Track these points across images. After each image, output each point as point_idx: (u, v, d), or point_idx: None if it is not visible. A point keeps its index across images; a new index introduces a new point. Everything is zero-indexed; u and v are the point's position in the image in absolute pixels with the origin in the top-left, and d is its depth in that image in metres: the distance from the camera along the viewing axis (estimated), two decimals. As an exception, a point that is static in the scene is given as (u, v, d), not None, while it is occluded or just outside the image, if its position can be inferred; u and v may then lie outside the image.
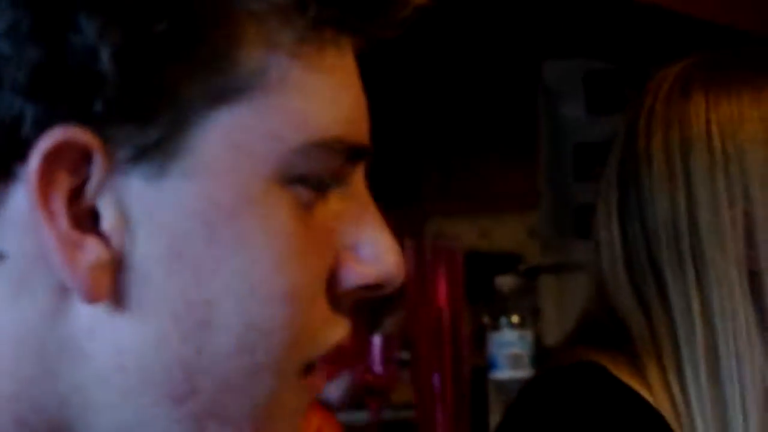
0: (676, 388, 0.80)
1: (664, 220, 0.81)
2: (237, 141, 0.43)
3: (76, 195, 0.42)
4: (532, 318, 2.32)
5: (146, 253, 0.43)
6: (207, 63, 0.42)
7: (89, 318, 0.43)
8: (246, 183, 0.44)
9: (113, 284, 0.43)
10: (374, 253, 0.47)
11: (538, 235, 3.08)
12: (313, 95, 0.45)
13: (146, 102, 0.42)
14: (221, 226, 0.43)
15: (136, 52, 0.41)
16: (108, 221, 0.42)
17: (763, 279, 0.79)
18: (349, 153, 0.46)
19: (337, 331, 0.48)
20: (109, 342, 0.43)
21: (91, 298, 0.42)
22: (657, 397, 0.80)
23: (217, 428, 0.45)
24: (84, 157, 0.42)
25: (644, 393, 0.80)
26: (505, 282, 2.36)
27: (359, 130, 0.47)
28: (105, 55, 0.41)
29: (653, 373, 0.80)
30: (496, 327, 2.23)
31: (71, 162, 0.42)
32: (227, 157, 0.43)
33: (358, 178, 0.48)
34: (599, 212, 0.85)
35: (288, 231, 0.44)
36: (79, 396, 0.44)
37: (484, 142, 3.69)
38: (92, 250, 0.42)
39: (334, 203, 0.47)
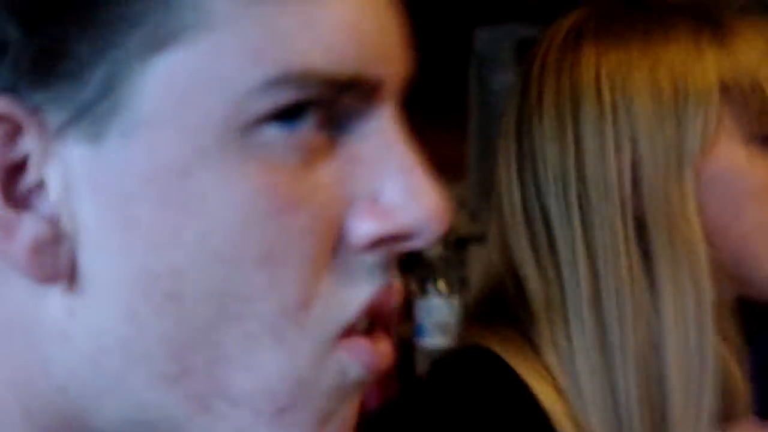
0: (563, 342, 0.80)
1: (553, 170, 0.81)
2: (179, 89, 0.39)
3: (17, 171, 0.39)
4: (460, 286, 2.34)
5: (96, 225, 0.40)
6: (135, 6, 0.38)
7: (62, 298, 0.40)
8: (194, 136, 0.39)
9: (64, 262, 0.40)
10: (398, 198, 0.42)
11: (466, 205, 3.09)
12: (272, 23, 0.39)
13: (70, 56, 0.38)
14: (172, 187, 0.39)
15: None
16: (54, 194, 0.39)
17: (649, 228, 0.80)
18: (337, 86, 0.40)
19: (358, 295, 0.42)
20: (86, 322, 0.40)
21: (40, 279, 0.40)
22: (546, 358, 0.80)
23: (228, 410, 0.41)
24: (15, 130, 0.39)
25: (531, 377, 0.80)
26: (434, 252, 2.36)
27: (355, 56, 0.40)
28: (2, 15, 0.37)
29: (544, 333, 0.81)
30: (423, 294, 2.24)
31: (2, 138, 0.39)
32: (169, 110, 0.39)
33: (380, 113, 0.42)
34: (500, 167, 0.84)
35: (255, 186, 0.39)
36: (75, 381, 0.41)
37: (414, 111, 3.68)
38: (29, 228, 0.39)
39: (346, 147, 0.42)
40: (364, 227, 0.42)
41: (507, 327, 0.83)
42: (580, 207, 0.80)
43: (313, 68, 0.39)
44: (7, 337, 0.41)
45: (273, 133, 0.39)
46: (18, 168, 0.39)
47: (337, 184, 0.41)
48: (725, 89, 0.81)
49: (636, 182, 0.80)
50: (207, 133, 0.39)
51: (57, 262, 0.40)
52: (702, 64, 0.81)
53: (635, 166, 0.80)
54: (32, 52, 0.38)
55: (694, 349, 0.79)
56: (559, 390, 0.80)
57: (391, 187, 0.41)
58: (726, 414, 0.82)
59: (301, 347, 0.41)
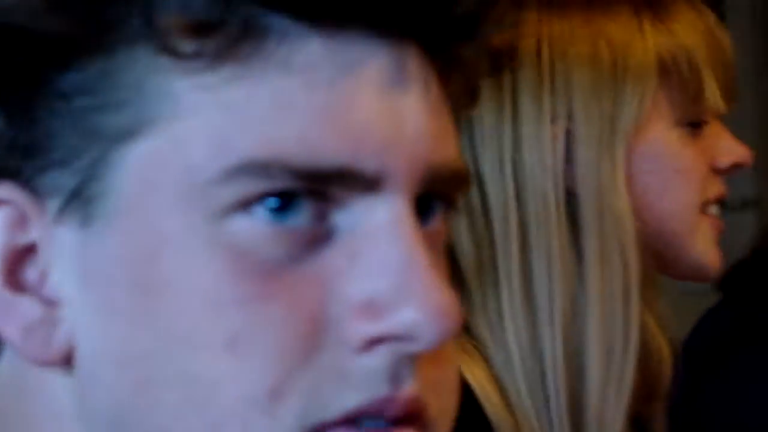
0: (493, 305, 0.82)
1: (489, 132, 0.82)
2: (149, 176, 0.39)
3: (23, 255, 0.41)
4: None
5: (82, 308, 0.40)
6: (113, 98, 0.39)
7: (63, 378, 0.41)
8: (161, 222, 0.39)
9: (60, 344, 0.40)
10: (395, 297, 0.39)
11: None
12: (241, 110, 0.38)
13: (60, 145, 0.39)
14: (143, 272, 0.39)
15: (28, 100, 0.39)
16: (55, 279, 0.40)
17: (579, 198, 0.82)
18: (319, 178, 0.39)
19: (344, 399, 0.40)
20: (85, 401, 0.41)
21: (34, 361, 0.41)
22: (477, 330, 0.82)
23: None
24: (21, 216, 0.40)
25: (463, 362, 0.80)
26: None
27: (341, 147, 0.39)
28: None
29: (476, 297, 0.82)
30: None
31: (7, 222, 0.40)
32: (141, 196, 0.39)
33: (386, 206, 0.40)
34: None
35: (222, 273, 0.39)
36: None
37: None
38: (24, 310, 0.40)
39: (346, 240, 0.40)
40: (355, 326, 0.39)
41: None
42: (514, 172, 0.82)
43: (284, 158, 0.38)
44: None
45: (241, 222, 0.39)
46: (24, 254, 0.41)
47: (329, 281, 0.40)
48: (663, 69, 0.83)
49: (569, 152, 0.82)
50: (174, 220, 0.39)
51: (50, 344, 0.40)
52: (642, 42, 0.83)
53: (569, 136, 0.82)
54: (25, 141, 0.39)
55: (617, 320, 0.81)
56: (490, 368, 0.81)
57: (388, 285, 0.39)
58: (650, 385, 0.86)
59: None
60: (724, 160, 0.85)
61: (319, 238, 0.39)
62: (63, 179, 0.39)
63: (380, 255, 0.39)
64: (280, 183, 0.38)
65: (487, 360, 0.82)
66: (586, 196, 0.82)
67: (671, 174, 0.83)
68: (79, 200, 0.40)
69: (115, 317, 0.40)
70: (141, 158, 0.39)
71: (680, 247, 0.85)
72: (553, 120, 0.82)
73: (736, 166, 0.86)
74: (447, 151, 0.41)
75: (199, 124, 0.38)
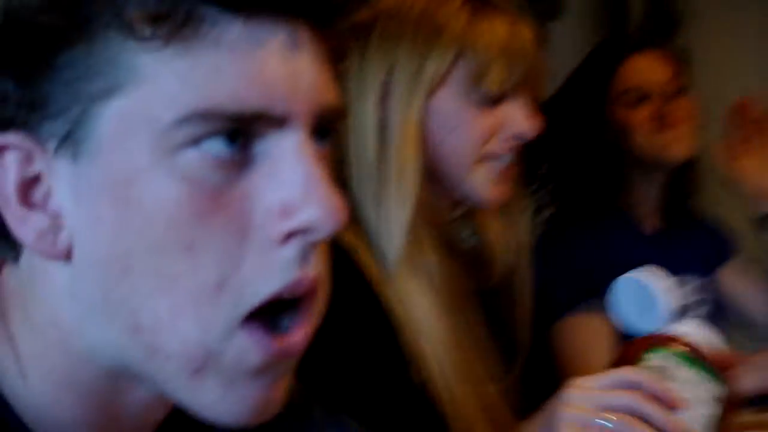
0: (369, 201, 1.06)
1: (354, 82, 1.08)
2: (122, 125, 0.51)
3: (32, 183, 0.53)
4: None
5: (78, 217, 0.53)
6: (93, 69, 0.51)
7: (64, 268, 0.54)
8: (133, 158, 0.51)
9: (63, 244, 0.53)
10: (300, 201, 0.52)
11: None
12: (186, 75, 0.51)
13: (55, 102, 0.52)
14: (122, 193, 0.52)
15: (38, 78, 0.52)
16: (57, 198, 0.53)
17: (388, 128, 1.07)
18: (242, 119, 0.52)
19: (269, 285, 0.52)
20: (79, 286, 0.54)
21: (44, 256, 0.54)
22: (358, 216, 1.06)
23: (164, 362, 0.53)
24: (28, 155, 0.53)
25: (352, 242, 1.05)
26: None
27: (258, 97, 0.52)
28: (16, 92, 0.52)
29: (357, 196, 1.07)
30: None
31: (18, 159, 0.53)
32: (117, 139, 0.52)
33: (290, 138, 0.53)
34: None
35: (180, 194, 0.51)
36: (76, 321, 0.55)
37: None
38: (36, 221, 0.53)
39: (264, 164, 0.53)
40: (274, 225, 0.53)
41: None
42: (365, 110, 1.07)
43: (218, 108, 0.51)
44: (25, 295, 0.56)
45: (191, 155, 0.51)
46: (33, 181, 0.54)
47: (254, 194, 0.53)
48: (459, 52, 1.06)
49: (385, 94, 1.07)
50: (142, 156, 0.51)
51: (56, 244, 0.53)
52: (453, 28, 1.06)
53: (386, 85, 1.06)
54: (29, 100, 0.52)
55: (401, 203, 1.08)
56: (368, 240, 1.06)
57: (295, 193, 0.52)
58: (486, 271, 1.18)
59: (214, 322, 0.52)
60: (507, 130, 1.08)
61: (245, 163, 0.53)
62: (57, 127, 0.52)
63: (289, 172, 0.53)
64: (218, 125, 0.51)
65: (367, 235, 1.06)
66: (392, 128, 1.07)
67: (449, 129, 1.08)
68: (70, 141, 0.52)
69: (102, 226, 0.52)
70: (115, 111, 0.51)
71: (456, 181, 1.10)
72: (378, 68, 1.07)
73: (517, 137, 1.08)
74: (331, 95, 0.56)
75: (157, 87, 0.51)
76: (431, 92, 1.06)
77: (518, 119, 1.08)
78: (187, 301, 0.52)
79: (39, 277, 0.56)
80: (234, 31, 0.52)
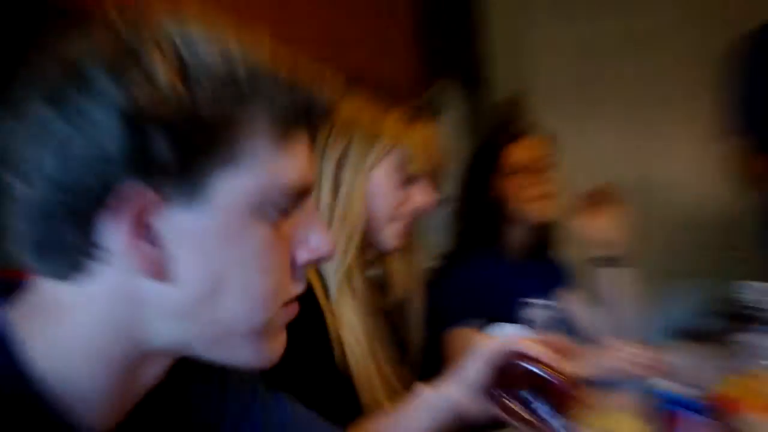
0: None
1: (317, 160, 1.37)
2: (233, 190, 0.64)
3: (146, 220, 0.63)
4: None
5: (185, 251, 0.63)
6: (218, 149, 0.63)
7: (153, 284, 0.64)
8: (241, 216, 0.65)
9: (160, 266, 0.63)
10: (315, 242, 0.71)
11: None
12: (283, 164, 0.66)
13: (185, 173, 0.62)
14: (226, 240, 0.64)
15: (188, 156, 0.63)
16: (164, 234, 0.63)
17: (340, 194, 1.36)
18: (300, 191, 0.68)
19: (298, 287, 0.70)
20: (169, 299, 0.64)
21: (143, 273, 0.63)
22: None
23: (228, 338, 0.66)
24: (150, 203, 0.62)
25: None
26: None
27: (307, 178, 0.68)
28: (172, 165, 0.62)
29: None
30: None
31: (137, 204, 0.62)
32: (230, 201, 0.64)
33: (306, 200, 0.69)
34: None
35: (264, 241, 0.66)
36: (153, 324, 0.66)
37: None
38: (145, 249, 0.63)
39: (294, 217, 0.69)
40: (303, 256, 0.70)
41: None
42: (334, 180, 1.36)
43: (295, 185, 0.66)
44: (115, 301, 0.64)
45: (274, 212, 0.65)
46: (148, 220, 0.63)
47: (291, 234, 0.68)
48: (396, 145, 1.36)
49: (340, 166, 1.34)
50: (247, 214, 0.64)
51: (161, 267, 0.63)
52: (392, 131, 1.36)
53: (342, 158, 1.35)
54: (172, 168, 0.61)
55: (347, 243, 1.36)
56: None
57: (312, 236, 0.70)
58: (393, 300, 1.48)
59: (272, 308, 0.68)
60: (412, 203, 1.39)
61: (283, 216, 0.69)
62: (178, 186, 0.62)
63: (307, 223, 0.71)
64: (296, 193, 0.68)
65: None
66: (342, 187, 1.34)
67: (378, 195, 1.37)
68: (189, 193, 0.62)
69: (205, 258, 0.63)
70: (230, 180, 0.64)
71: (376, 231, 1.39)
72: (335, 148, 1.34)
73: (417, 210, 1.39)
74: (313, 171, 0.73)
75: (261, 169, 0.65)
76: (371, 169, 1.35)
77: (420, 198, 1.40)
78: (259, 303, 0.67)
79: (135, 290, 0.64)
80: (302, 138, 0.70)
